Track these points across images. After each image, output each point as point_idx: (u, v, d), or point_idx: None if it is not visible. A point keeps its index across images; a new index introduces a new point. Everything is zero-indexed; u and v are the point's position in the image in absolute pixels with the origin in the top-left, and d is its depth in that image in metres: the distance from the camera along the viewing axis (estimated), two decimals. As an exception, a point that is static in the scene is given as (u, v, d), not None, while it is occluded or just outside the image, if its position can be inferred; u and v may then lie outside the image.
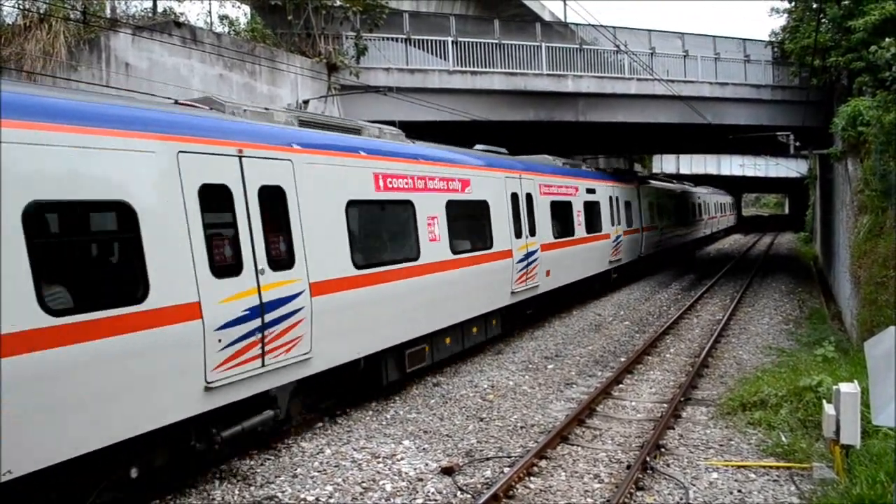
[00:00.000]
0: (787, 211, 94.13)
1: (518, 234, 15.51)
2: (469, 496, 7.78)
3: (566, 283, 18.69)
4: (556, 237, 17.72)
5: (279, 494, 7.86)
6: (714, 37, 25.72)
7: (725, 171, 58.70)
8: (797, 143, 24.75)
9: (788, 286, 25.71)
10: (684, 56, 24.98)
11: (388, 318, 10.81)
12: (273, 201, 8.64)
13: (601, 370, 13.60)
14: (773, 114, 25.61)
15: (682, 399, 11.20)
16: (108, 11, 14.90)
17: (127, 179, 6.82)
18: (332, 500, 7.73)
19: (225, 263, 7.82)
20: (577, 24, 24.14)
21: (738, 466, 8.54)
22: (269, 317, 8.22)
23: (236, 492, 7.95)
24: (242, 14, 20.90)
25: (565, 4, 34.80)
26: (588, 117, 23.47)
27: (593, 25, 21.93)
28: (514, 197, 15.66)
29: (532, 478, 8.27)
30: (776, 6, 31.39)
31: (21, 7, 12.87)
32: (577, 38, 23.59)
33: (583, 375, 13.20)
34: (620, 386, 12.43)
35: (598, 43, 23.53)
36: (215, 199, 7.78)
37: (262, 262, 8.25)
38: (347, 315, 9.73)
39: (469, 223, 13.85)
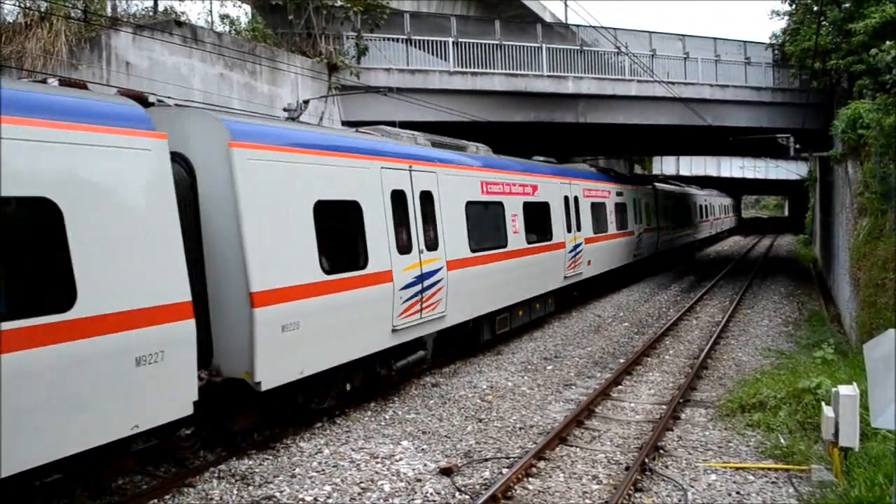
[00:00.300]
0: (786, 213, 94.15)
1: (568, 230, 18.76)
2: (467, 497, 7.78)
3: (602, 272, 21.94)
4: (594, 233, 20.90)
5: (277, 494, 7.86)
6: (715, 39, 25.72)
7: (725, 173, 58.68)
8: (797, 146, 24.73)
9: (788, 288, 25.72)
10: (685, 58, 24.99)
11: (487, 292, 14.23)
12: (426, 202, 12.19)
13: (600, 371, 13.60)
14: (773, 116, 25.62)
15: (680, 400, 11.20)
16: (108, 10, 14.90)
17: (360, 187, 10.39)
18: (330, 501, 7.73)
19: (403, 244, 11.32)
20: (577, 26, 24.14)
21: (737, 468, 8.54)
22: (425, 283, 11.76)
23: (234, 491, 7.95)
24: (243, 14, 20.98)
25: (566, 6, 34.79)
26: (588, 118, 23.47)
27: (594, 27, 21.95)
28: (566, 199, 18.87)
29: (531, 479, 8.28)
30: (777, 8, 31.42)
31: (22, 5, 12.87)
32: (577, 40, 23.58)
33: (582, 377, 13.20)
34: (619, 387, 12.44)
35: (598, 44, 23.54)
36: (398, 200, 11.31)
37: (422, 245, 11.83)
38: (466, 287, 13.11)
39: (536, 219, 16.99)
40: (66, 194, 6.26)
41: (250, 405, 9.02)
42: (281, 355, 8.64)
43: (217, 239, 8.25)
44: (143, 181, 7.08)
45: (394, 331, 10.92)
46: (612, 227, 23.05)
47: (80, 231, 6.33)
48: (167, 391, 7.11)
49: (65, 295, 6.18)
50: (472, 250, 13.46)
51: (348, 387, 10.38)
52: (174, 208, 7.29)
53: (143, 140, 7.08)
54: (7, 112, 5.91)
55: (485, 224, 14.52)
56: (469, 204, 13.66)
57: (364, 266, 10.27)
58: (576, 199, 19.74)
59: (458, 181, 13.52)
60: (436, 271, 12.07)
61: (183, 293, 7.24)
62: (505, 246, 15.08)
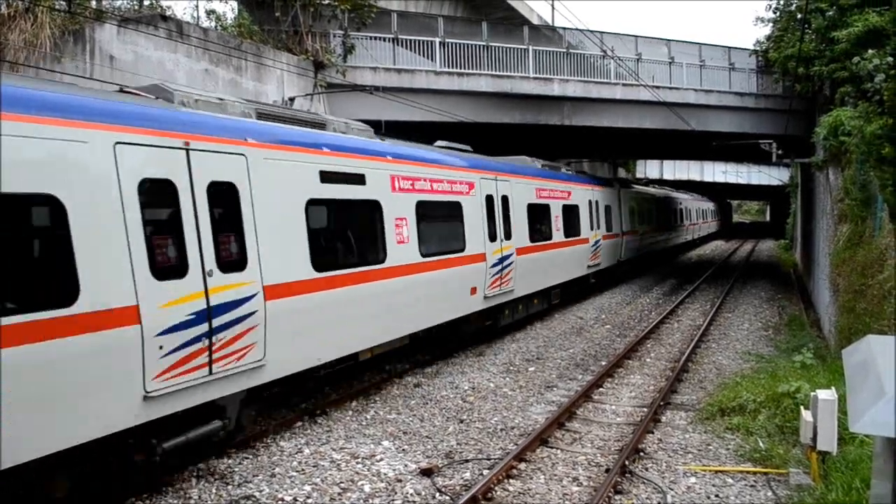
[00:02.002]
0: (768, 218, 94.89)
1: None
2: (448, 498, 7.77)
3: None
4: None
5: (256, 494, 7.81)
6: (700, 44, 25.87)
7: (708, 178, 59.08)
8: (779, 152, 24.96)
9: (768, 293, 25.92)
10: (670, 62, 25.12)
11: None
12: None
13: (582, 373, 13.64)
14: (756, 122, 25.82)
15: (661, 403, 11.25)
16: (93, 2, 14.75)
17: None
18: (309, 501, 7.69)
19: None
20: (564, 29, 24.23)
21: (716, 471, 8.59)
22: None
23: (213, 490, 7.89)
24: (230, 9, 20.79)
25: (553, 8, 34.88)
26: (573, 121, 23.54)
27: (580, 30, 22.02)
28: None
29: (511, 480, 8.28)
30: (762, 15, 31.66)
31: (5, -4, 12.71)
32: (564, 42, 23.65)
33: (563, 378, 13.23)
34: (601, 389, 12.48)
35: (584, 47, 23.61)
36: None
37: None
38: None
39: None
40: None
41: None
42: None
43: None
44: None
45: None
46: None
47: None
48: None
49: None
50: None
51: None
52: None
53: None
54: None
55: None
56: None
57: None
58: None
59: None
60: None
61: None
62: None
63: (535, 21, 32.33)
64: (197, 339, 7.57)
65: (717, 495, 7.90)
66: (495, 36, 22.50)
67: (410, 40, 21.24)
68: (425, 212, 12.59)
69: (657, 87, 23.54)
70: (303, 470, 8.52)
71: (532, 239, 17.35)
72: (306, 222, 9.45)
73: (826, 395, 7.56)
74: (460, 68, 21.48)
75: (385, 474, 8.39)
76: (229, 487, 7.98)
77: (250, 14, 18.89)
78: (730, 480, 8.33)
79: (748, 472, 8.52)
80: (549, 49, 23.11)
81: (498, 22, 25.50)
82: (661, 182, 51.69)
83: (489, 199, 15.30)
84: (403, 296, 11.73)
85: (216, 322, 7.80)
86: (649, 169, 55.37)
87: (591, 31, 22.19)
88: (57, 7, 12.98)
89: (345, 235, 10.89)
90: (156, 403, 7.14)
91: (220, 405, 8.18)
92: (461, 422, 10.48)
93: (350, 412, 10.85)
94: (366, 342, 11.02)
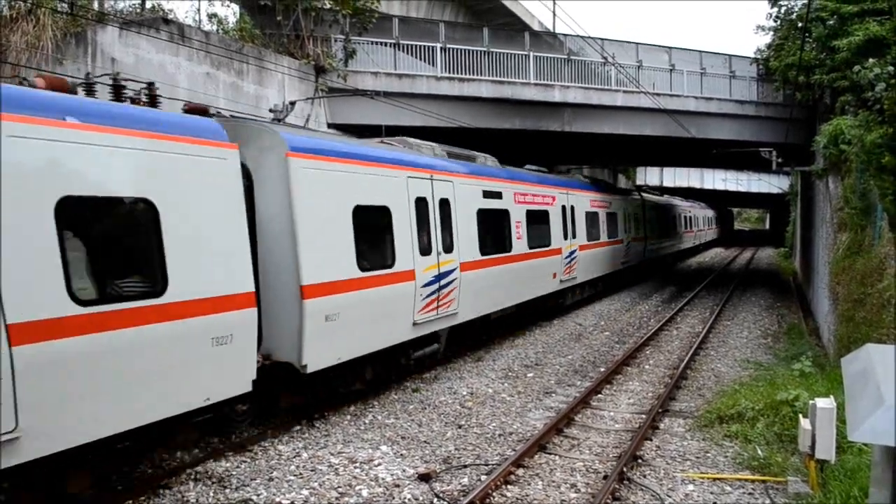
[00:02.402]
0: (767, 226, 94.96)
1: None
2: (446, 503, 7.75)
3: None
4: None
5: (254, 497, 7.80)
6: (700, 52, 25.89)
7: (708, 185, 59.07)
8: (779, 160, 24.96)
9: (767, 301, 25.92)
10: (671, 70, 25.15)
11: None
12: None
13: (580, 380, 13.63)
14: (756, 130, 25.84)
15: (660, 410, 11.24)
16: (95, 5, 14.78)
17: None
18: (307, 505, 7.67)
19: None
20: (565, 35, 24.24)
21: (714, 479, 8.58)
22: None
23: (211, 494, 7.87)
24: (231, 13, 20.85)
25: (554, 15, 35.01)
26: (574, 127, 23.56)
27: (581, 37, 22.08)
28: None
29: (509, 486, 8.27)
30: (762, 24, 31.73)
31: (7, -2, 12.74)
32: (565, 49, 23.68)
33: (562, 384, 13.22)
34: (599, 396, 12.47)
35: (585, 54, 23.64)
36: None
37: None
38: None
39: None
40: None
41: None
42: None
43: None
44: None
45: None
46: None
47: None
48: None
49: (160, 282, 7.26)
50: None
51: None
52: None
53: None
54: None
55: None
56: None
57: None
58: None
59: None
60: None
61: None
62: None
63: (536, 27, 32.38)
64: (434, 293, 12.59)
65: (715, 503, 7.88)
66: (496, 42, 22.53)
67: (411, 45, 21.27)
68: (529, 217, 17.76)
69: (658, 95, 23.57)
70: (300, 474, 8.50)
71: (590, 238, 22.90)
72: (477, 224, 14.63)
73: (825, 403, 7.55)
74: (461, 74, 21.52)
75: (383, 479, 8.37)
76: (227, 491, 7.96)
77: (252, 18, 18.94)
78: (728, 488, 8.32)
79: (746, 480, 8.51)
80: (550, 55, 23.14)
81: (499, 28, 25.55)
82: (661, 189, 51.69)
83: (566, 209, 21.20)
84: (518, 274, 16.83)
85: (441, 282, 12.83)
86: (649, 176, 55.35)
87: (592, 38, 22.25)
88: (59, 9, 13.01)
89: (492, 232, 15.55)
90: (416, 328, 12.17)
91: (438, 334, 13.27)
92: (459, 427, 10.46)
93: (348, 416, 10.83)
94: (502, 305, 16.17)
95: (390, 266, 11.44)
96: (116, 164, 6.93)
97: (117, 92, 8.19)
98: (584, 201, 22.57)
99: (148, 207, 7.22)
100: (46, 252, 6.16)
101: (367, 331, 10.81)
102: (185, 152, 7.69)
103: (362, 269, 10.63)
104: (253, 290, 8.42)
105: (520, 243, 16.82)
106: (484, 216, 15.02)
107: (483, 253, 14.73)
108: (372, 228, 11.21)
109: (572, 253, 20.53)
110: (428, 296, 12.49)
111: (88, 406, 6.52)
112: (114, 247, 7.24)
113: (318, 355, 9.64)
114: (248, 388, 8.38)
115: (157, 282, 7.20)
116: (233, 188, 8.33)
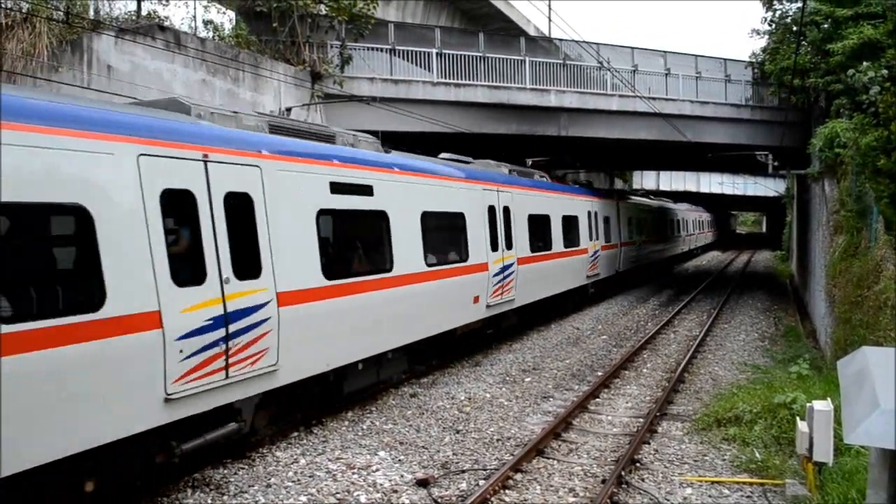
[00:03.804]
0: (764, 229, 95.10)
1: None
2: (444, 508, 7.75)
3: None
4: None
5: (252, 504, 7.78)
6: (696, 56, 26.00)
7: (705, 189, 59.27)
8: (775, 163, 25.09)
9: (764, 304, 25.95)
10: (666, 74, 25.23)
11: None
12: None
13: (578, 384, 13.63)
14: (752, 133, 25.92)
15: (657, 414, 11.24)
16: (91, 13, 14.78)
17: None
18: (305, 511, 7.66)
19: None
20: (561, 40, 24.32)
21: (713, 482, 8.58)
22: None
23: (209, 501, 7.86)
24: (227, 20, 20.85)
25: (550, 20, 35.03)
26: (570, 132, 23.62)
27: (577, 41, 22.10)
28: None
29: (507, 491, 8.26)
30: (757, 27, 31.84)
31: (3, 6, 12.73)
32: (560, 54, 23.74)
33: (560, 389, 13.22)
34: (597, 400, 12.47)
35: (581, 59, 23.71)
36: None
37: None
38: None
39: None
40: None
41: None
42: None
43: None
44: None
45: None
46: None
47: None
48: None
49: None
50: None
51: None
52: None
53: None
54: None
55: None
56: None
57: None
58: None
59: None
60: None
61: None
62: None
63: (532, 32, 32.48)
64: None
65: (713, 506, 7.89)
66: (492, 47, 22.59)
67: (407, 51, 21.32)
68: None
69: (653, 99, 23.65)
70: (298, 480, 8.49)
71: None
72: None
73: (822, 405, 7.56)
74: (457, 79, 21.56)
75: (381, 485, 8.36)
76: (225, 498, 7.94)
77: (248, 24, 18.95)
78: (726, 491, 8.32)
79: (744, 483, 8.51)
80: (546, 60, 23.20)
81: (494, 33, 25.61)
82: (657, 193, 51.81)
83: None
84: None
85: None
86: (646, 179, 55.53)
87: (588, 43, 22.29)
88: (55, 17, 13.01)
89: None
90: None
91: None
92: (457, 432, 10.46)
93: (346, 422, 10.82)
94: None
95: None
96: None
97: None
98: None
99: None
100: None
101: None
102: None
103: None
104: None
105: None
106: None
107: None
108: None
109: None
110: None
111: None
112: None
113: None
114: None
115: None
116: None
